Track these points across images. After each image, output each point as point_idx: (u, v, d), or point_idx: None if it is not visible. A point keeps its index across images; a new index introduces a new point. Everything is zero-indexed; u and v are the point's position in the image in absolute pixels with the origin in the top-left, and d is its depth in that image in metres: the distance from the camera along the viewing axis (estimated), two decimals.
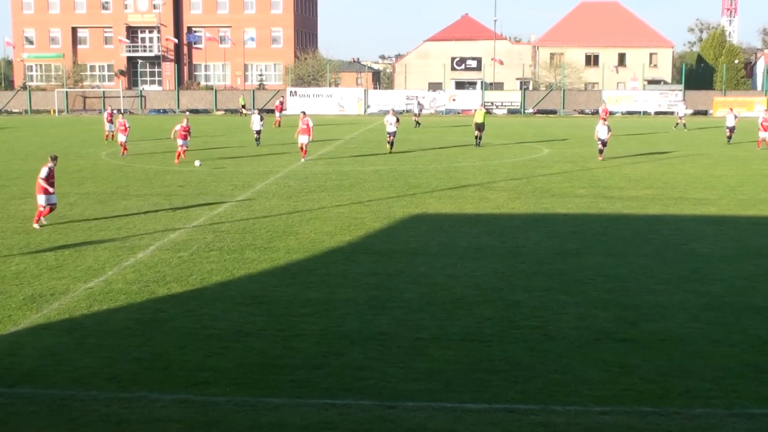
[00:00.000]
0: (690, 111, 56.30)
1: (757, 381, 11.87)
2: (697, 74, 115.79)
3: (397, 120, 43.90)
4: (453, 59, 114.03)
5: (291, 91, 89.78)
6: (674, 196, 28.83)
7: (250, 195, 29.00)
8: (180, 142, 40.07)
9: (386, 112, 65.12)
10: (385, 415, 10.77)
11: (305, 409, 10.95)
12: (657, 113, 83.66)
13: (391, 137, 43.39)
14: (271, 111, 74.99)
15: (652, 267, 18.60)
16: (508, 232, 22.55)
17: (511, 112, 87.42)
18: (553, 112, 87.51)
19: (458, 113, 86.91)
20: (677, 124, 63.58)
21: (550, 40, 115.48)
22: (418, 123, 66.54)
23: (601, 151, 40.32)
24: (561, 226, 23.40)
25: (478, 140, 47.27)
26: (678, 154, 43.46)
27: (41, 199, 23.21)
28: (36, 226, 23.00)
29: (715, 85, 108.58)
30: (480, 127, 46.96)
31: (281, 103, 71.95)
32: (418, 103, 71.06)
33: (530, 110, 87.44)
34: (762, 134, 45.47)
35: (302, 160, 39.32)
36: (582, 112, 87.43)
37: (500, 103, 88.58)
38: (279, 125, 64.13)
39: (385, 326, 14.32)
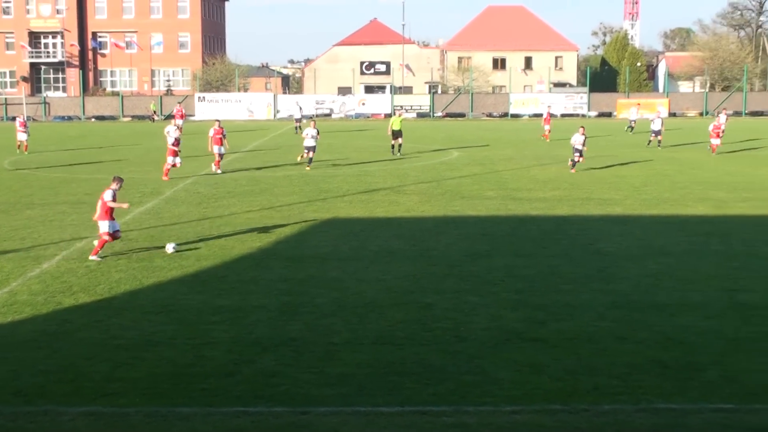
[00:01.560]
0: (638, 116, 54.60)
1: (662, 376, 12.16)
2: (601, 77, 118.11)
3: (318, 133, 38.62)
4: (362, 63, 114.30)
5: (199, 97, 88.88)
6: (581, 197, 29.36)
7: (158, 202, 28.62)
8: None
9: (297, 118, 64.89)
10: (298, 421, 10.74)
11: (217, 417, 10.85)
12: (563, 115, 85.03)
13: (311, 153, 37.96)
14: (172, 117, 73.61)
15: (560, 267, 18.91)
16: (418, 235, 22.68)
17: (421, 115, 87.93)
18: (462, 115, 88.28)
19: (368, 117, 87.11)
20: (630, 127, 62.81)
21: (458, 44, 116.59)
22: (298, 128, 64.37)
23: (574, 163, 36.77)
24: (471, 229, 23.63)
25: (395, 149, 44.68)
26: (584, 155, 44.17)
27: (104, 225, 19.96)
28: (95, 258, 19.74)
29: (618, 87, 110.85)
30: (397, 134, 44.57)
31: (180, 109, 68.81)
32: (300, 109, 68.75)
33: (439, 113, 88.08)
34: (714, 141, 44.01)
35: (217, 170, 36.75)
36: (490, 115, 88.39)
37: (409, 107, 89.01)
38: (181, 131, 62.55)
39: (297, 332, 14.28)
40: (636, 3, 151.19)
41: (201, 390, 11.72)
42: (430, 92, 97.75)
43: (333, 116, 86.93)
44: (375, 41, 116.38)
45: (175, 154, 34.83)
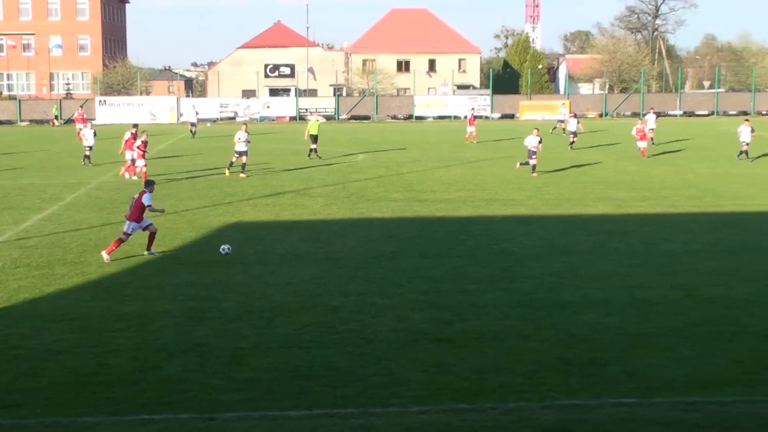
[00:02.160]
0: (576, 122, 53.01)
1: (566, 373, 12.37)
2: (504, 79, 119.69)
3: (248, 141, 36.73)
4: (266, 66, 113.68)
5: (100, 101, 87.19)
6: (485, 198, 29.70)
7: (58, 208, 28.01)
8: (128, 154, 35.98)
9: (192, 123, 63.83)
10: (205, 428, 10.62)
11: (121, 426, 10.66)
12: (466, 117, 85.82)
13: (243, 157, 36.17)
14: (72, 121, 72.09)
15: (465, 267, 19.10)
16: (325, 238, 22.67)
17: (326, 118, 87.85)
18: (367, 117, 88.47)
19: (273, 120, 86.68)
20: (556, 128, 60.36)
21: (362, 47, 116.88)
22: (194, 132, 63.35)
23: (534, 167, 35.84)
24: (377, 231, 23.71)
25: (312, 152, 43.82)
26: (487, 156, 44.74)
27: (129, 226, 20.44)
28: (107, 256, 19.91)
29: (521, 89, 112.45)
30: (316, 139, 43.89)
31: (82, 113, 67.01)
32: (196, 113, 67.52)
33: (344, 116, 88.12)
34: (640, 144, 42.85)
35: (132, 176, 35.40)
36: (395, 117, 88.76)
37: (314, 110, 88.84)
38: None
39: (203, 337, 14.13)
40: (537, 6, 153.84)
41: (105, 399, 11.50)
42: (334, 95, 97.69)
43: (237, 119, 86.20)
44: (279, 44, 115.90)
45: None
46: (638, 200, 29.00)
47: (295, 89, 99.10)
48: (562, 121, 59.01)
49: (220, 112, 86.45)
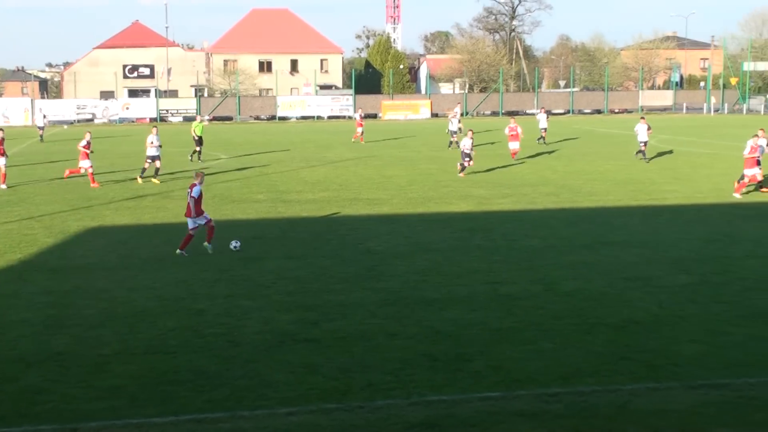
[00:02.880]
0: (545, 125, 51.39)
1: (432, 369, 12.53)
2: (366, 79, 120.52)
3: (160, 145, 35.42)
4: (125, 67, 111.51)
5: None
6: (350, 198, 29.82)
7: None
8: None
9: (40, 126, 61.91)
10: None
11: None
12: (330, 117, 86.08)
13: (157, 162, 35.09)
14: None
15: (331, 267, 19.13)
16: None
17: (187, 119, 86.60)
18: (230, 118, 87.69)
19: (132, 122, 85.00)
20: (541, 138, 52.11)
21: (223, 47, 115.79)
22: (42, 137, 61.54)
23: (463, 167, 35.43)
24: (242, 232, 23.49)
25: (195, 154, 43.20)
26: (351, 156, 44.95)
27: (191, 222, 20.67)
28: (182, 252, 20.50)
29: (383, 89, 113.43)
30: (200, 140, 43.10)
31: None
32: (44, 116, 65.49)
33: (206, 117, 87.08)
34: (512, 145, 41.10)
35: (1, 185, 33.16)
36: (258, 118, 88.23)
37: (176, 111, 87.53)
38: None
39: (64, 345, 13.74)
40: (397, 7, 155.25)
41: None
42: (196, 96, 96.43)
43: (96, 121, 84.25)
44: (138, 44, 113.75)
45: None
46: (499, 197, 29.61)
47: (155, 90, 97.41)
48: (456, 133, 50.97)
49: (77, 114, 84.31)
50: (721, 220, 24.89)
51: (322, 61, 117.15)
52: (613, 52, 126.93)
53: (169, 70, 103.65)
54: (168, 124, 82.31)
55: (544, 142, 49.79)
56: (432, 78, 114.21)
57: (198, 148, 43.26)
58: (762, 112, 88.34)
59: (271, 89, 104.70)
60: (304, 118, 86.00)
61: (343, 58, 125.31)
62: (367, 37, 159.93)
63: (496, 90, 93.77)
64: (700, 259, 19.72)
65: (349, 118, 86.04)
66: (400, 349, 13.45)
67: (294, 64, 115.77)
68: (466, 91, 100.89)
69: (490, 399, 11.40)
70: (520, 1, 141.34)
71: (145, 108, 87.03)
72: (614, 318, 15.06)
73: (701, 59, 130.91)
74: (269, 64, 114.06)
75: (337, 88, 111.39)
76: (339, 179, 35.04)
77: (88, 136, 34.27)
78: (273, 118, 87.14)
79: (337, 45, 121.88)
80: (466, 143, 35.46)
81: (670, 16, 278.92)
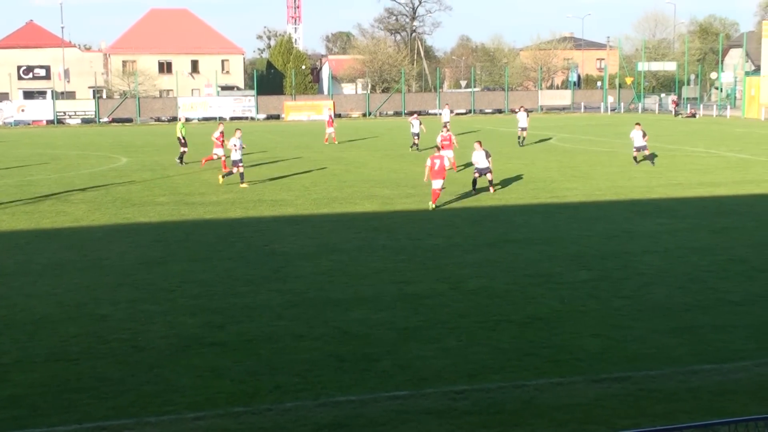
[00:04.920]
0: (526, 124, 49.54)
1: (340, 370, 12.55)
2: (268, 80, 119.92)
3: (242, 146, 33.59)
4: (19, 68, 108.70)
5: None
6: (254, 199, 29.63)
7: None
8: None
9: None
10: None
11: None
12: (232, 118, 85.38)
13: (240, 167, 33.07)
14: None
15: (236, 270, 19.00)
16: (89, 245, 21.95)
17: (86, 121, 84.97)
18: (130, 120, 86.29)
19: (28, 124, 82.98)
20: (519, 138, 50.36)
21: (121, 48, 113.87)
22: None
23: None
24: (144, 236, 23.19)
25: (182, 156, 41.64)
26: (254, 157, 44.63)
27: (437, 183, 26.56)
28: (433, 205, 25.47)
29: (285, 90, 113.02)
30: (182, 141, 41.60)
31: None
32: None
33: (105, 119, 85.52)
34: (446, 154, 35.55)
35: None
36: (158, 119, 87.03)
37: (73, 113, 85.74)
38: None
39: None
40: (298, 7, 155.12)
41: None
42: (94, 97, 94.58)
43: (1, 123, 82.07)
44: (32, 44, 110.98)
45: None
46: (403, 197, 29.78)
47: (52, 92, 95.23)
48: (417, 135, 48.02)
49: None
50: (620, 217, 25.48)
51: (223, 61, 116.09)
52: (513, 52, 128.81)
53: (66, 71, 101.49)
54: (66, 127, 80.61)
55: (522, 144, 49.41)
56: (334, 78, 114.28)
57: (184, 150, 41.80)
58: (656, 111, 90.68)
59: (171, 90, 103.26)
60: (206, 119, 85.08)
61: (244, 58, 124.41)
62: (269, 38, 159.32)
63: (399, 90, 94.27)
64: (600, 255, 20.16)
65: (252, 119, 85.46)
66: (307, 350, 13.44)
67: (195, 65, 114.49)
68: (369, 92, 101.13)
69: (398, 398, 11.47)
70: (420, 2, 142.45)
71: (41, 110, 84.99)
72: (518, 315, 15.29)
73: (597, 59, 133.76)
74: (169, 65, 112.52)
75: (238, 89, 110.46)
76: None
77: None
78: (174, 119, 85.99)
79: (239, 45, 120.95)
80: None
81: (567, 18, 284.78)
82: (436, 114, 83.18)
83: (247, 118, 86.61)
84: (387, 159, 42.92)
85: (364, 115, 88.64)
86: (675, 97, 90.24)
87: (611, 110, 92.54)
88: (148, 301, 16.38)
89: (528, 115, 51.08)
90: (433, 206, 27.08)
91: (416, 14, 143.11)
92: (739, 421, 7.08)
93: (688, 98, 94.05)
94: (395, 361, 12.93)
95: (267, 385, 11.97)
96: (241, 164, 33.09)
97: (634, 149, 39.18)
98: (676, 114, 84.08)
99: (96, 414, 11.03)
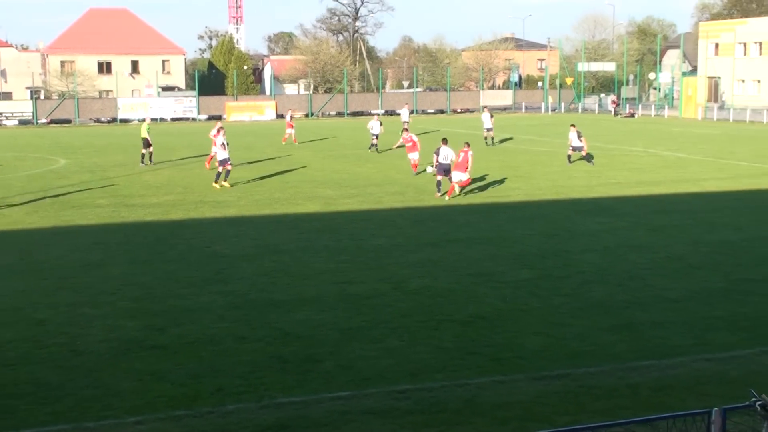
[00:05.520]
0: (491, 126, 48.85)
1: (283, 371, 12.51)
2: (209, 80, 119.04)
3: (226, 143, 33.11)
4: None
5: None
6: (195, 200, 29.41)
7: None
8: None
9: None
10: None
11: None
12: (173, 119, 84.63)
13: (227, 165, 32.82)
14: None
15: (177, 272, 18.85)
16: (27, 249, 21.62)
17: (23, 122, 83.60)
18: (68, 121, 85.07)
19: None
20: (486, 138, 50.31)
21: (60, 48, 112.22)
22: None
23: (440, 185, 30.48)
24: (83, 238, 22.90)
25: (146, 157, 40.97)
26: (196, 159, 44.28)
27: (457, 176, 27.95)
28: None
29: (227, 90, 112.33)
30: (146, 142, 40.63)
31: None
32: None
33: (43, 120, 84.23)
34: (412, 156, 36.65)
35: None
36: (98, 120, 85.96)
37: (10, 114, 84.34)
38: None
39: None
40: (240, 8, 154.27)
41: None
42: (31, 98, 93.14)
43: None
44: None
45: None
46: (346, 197, 29.78)
47: None
48: (377, 136, 46.79)
49: None
50: (560, 216, 25.74)
51: (163, 62, 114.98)
52: (455, 53, 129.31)
53: (2, 72, 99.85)
54: (2, 128, 79.27)
55: (493, 143, 49.48)
56: (276, 79, 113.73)
57: (148, 150, 41.06)
58: (596, 111, 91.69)
59: (111, 91, 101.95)
60: (153, 120, 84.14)
61: (185, 59, 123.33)
62: (210, 38, 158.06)
63: (341, 91, 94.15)
64: (541, 254, 20.34)
65: (193, 120, 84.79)
66: (249, 352, 13.38)
67: (135, 65, 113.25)
68: (311, 92, 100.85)
69: (341, 398, 11.48)
70: (362, 2, 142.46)
71: None
72: (461, 314, 15.38)
73: (538, 60, 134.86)
74: (109, 65, 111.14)
75: (180, 89, 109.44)
76: (183, 182, 34.51)
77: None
78: (114, 120, 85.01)
79: (179, 46, 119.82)
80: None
81: (508, 18, 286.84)
82: (375, 114, 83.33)
83: (188, 119, 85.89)
84: (330, 159, 42.86)
85: (307, 115, 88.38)
86: (614, 97, 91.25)
87: (552, 110, 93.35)
88: (87, 305, 16.18)
89: (492, 116, 51.18)
90: (449, 196, 29.32)
91: (358, 14, 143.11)
92: (678, 416, 7.20)
93: (627, 98, 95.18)
94: (338, 361, 12.93)
95: (209, 387, 11.89)
96: (229, 163, 32.91)
97: (570, 148, 39.56)
98: (616, 114, 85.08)
99: (34, 420, 10.87)
